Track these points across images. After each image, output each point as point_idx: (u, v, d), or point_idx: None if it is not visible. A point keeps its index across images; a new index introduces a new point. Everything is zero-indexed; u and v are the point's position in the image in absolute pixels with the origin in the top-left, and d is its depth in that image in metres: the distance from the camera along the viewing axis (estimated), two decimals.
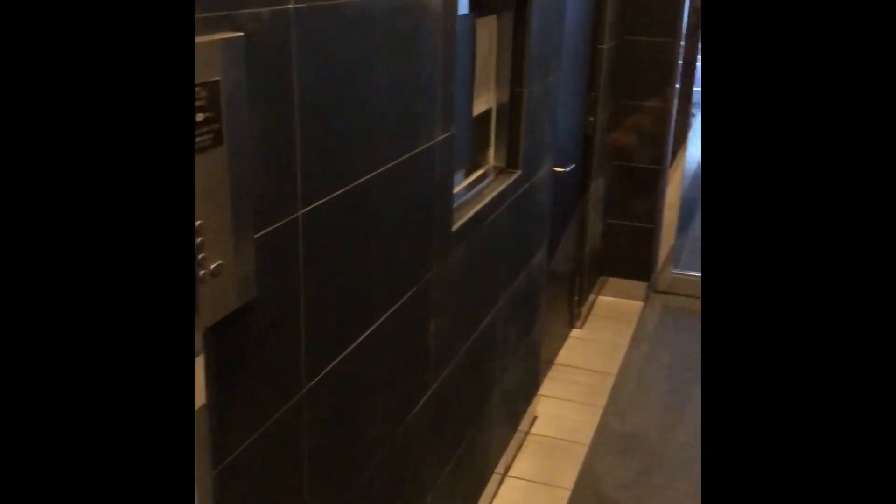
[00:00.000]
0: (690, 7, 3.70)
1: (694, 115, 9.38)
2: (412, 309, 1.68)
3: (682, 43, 3.70)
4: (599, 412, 3.03)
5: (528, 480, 2.66)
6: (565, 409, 3.07)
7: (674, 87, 3.72)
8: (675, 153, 3.97)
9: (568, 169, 2.87)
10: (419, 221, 1.66)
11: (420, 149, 1.60)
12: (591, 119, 3.35)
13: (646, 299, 4.02)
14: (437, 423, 1.95)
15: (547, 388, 3.18)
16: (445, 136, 1.72)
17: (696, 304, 3.99)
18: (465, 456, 2.21)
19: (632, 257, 3.98)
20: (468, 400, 2.19)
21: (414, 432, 1.79)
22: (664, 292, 4.11)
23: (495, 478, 2.58)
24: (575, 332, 3.67)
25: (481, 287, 2.17)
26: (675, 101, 3.79)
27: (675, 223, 4.05)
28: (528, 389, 2.88)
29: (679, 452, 2.81)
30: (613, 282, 4.05)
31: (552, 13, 2.46)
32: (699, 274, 4.18)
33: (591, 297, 3.92)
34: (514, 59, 2.25)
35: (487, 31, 2.15)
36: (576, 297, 3.66)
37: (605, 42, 3.28)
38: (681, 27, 3.63)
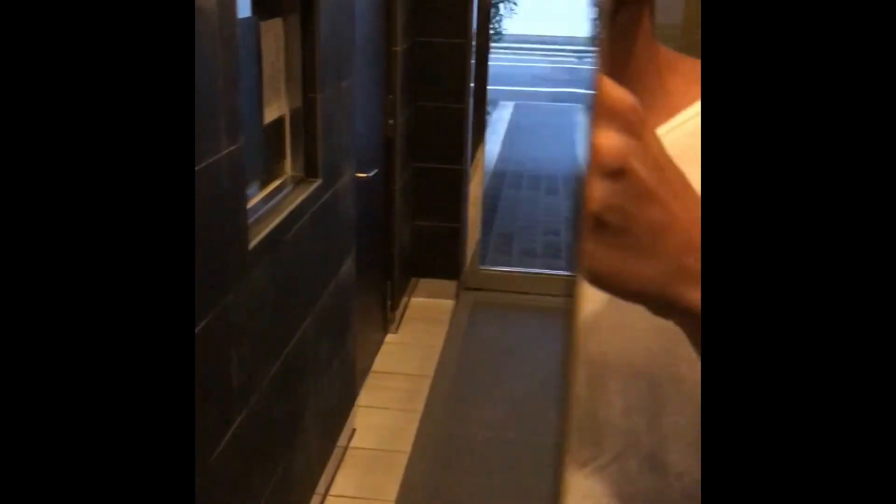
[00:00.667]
0: (479, 6, 3.77)
1: (489, 114, 9.70)
2: (208, 339, 1.55)
3: (474, 43, 3.76)
4: (418, 417, 3.01)
5: (350, 497, 2.58)
6: (384, 418, 3.02)
7: (469, 88, 3.77)
8: (474, 152, 4.03)
9: (371, 174, 2.82)
10: (210, 242, 1.53)
11: (204, 164, 1.47)
12: (391, 122, 3.32)
13: (457, 297, 4.06)
14: (247, 457, 1.82)
15: (364, 397, 3.11)
16: (232, 148, 1.60)
17: (504, 298, 4.09)
18: (281, 483, 2.10)
19: (441, 257, 4.01)
20: (281, 425, 2.08)
21: (220, 475, 1.66)
22: (474, 289, 4.17)
23: (316, 499, 2.47)
24: (390, 337, 3.64)
25: (287, 305, 2.06)
26: (472, 101, 3.85)
27: (478, 221, 4.12)
28: (344, 403, 2.80)
29: (502, 449, 2.85)
30: (425, 282, 4.06)
31: (341, 15, 2.39)
32: (505, 269, 4.29)
33: (405, 299, 3.90)
34: (304, 64, 2.15)
35: (273, 35, 2.04)
36: (388, 302, 3.62)
37: (399, 44, 3.25)
38: (471, 27, 3.68)
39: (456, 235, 3.98)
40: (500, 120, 9.49)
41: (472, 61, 3.77)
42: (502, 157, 7.47)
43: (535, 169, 6.99)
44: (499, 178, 6.56)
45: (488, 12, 3.90)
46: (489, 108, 10.50)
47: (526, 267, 4.54)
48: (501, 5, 10.59)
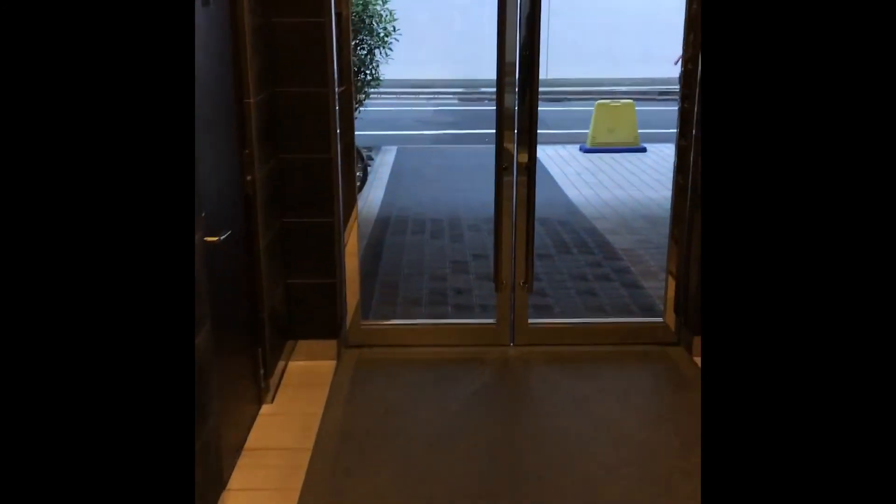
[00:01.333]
0: (340, 52, 3.62)
1: (372, 160, 9.57)
2: None
3: (337, 91, 3.60)
4: (297, 497, 2.75)
5: None
6: (258, 502, 2.75)
7: (335, 137, 3.60)
8: (347, 202, 3.84)
9: (223, 237, 2.59)
10: None
11: None
12: (249, 178, 3.10)
13: (338, 357, 3.83)
14: None
15: (236, 479, 2.83)
16: None
17: (389, 353, 3.89)
18: None
19: (318, 316, 3.78)
20: None
21: None
22: (356, 346, 3.96)
23: None
24: (265, 409, 3.37)
25: None
26: (339, 150, 3.67)
27: (358, 273, 3.93)
28: (209, 490, 2.52)
29: None
30: (303, 344, 3.81)
31: None
32: (388, 322, 4.10)
33: (282, 364, 3.65)
34: None
35: None
36: (261, 371, 3.36)
37: (252, 95, 3.05)
38: (332, 75, 3.52)
39: (333, 291, 3.76)
40: (382, 165, 9.37)
41: (337, 109, 3.61)
42: (386, 202, 7.33)
43: (419, 213, 6.86)
44: (383, 225, 6.40)
45: (349, 59, 3.75)
46: (371, 154, 10.39)
47: (412, 317, 4.36)
48: (377, 51, 10.54)
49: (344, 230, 3.83)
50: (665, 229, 6.68)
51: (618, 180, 8.38)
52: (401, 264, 5.32)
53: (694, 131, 3.77)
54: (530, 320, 3.99)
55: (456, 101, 16.22)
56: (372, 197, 7.53)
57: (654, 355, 3.91)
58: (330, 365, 3.77)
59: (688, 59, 3.76)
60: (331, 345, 3.81)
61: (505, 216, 3.82)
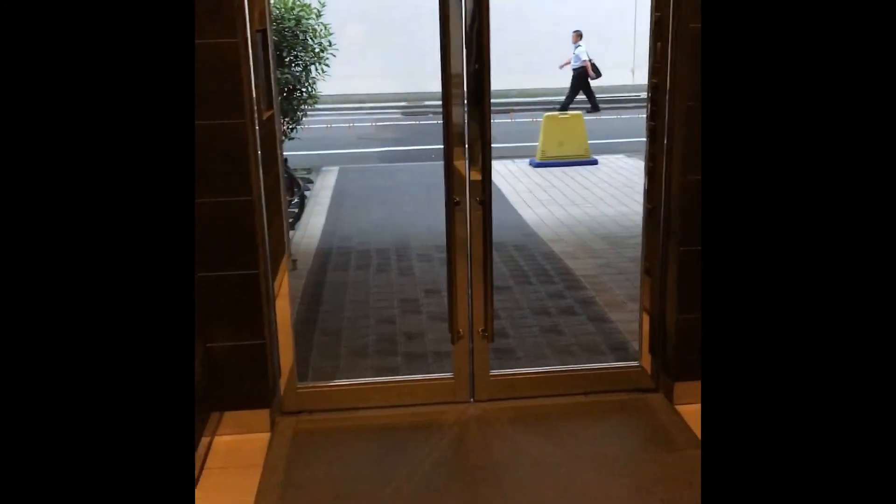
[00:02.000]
0: (266, 78, 3.11)
1: (312, 182, 9.03)
2: None
3: (258, 120, 3.09)
4: None
5: None
6: None
7: (256, 175, 3.08)
8: (275, 247, 3.33)
9: None
10: None
11: None
12: None
13: (272, 428, 3.31)
14: None
15: None
16: None
17: (332, 419, 3.38)
18: None
19: (245, 382, 3.25)
20: None
21: None
22: (293, 413, 3.43)
23: None
24: None
25: None
26: (263, 191, 3.16)
27: (291, 329, 3.41)
28: None
29: None
30: (229, 416, 3.28)
31: None
32: (329, 383, 3.58)
33: (205, 440, 3.11)
34: None
35: None
36: None
37: None
38: (250, 103, 3.01)
39: (261, 353, 3.24)
40: (323, 189, 8.83)
41: (259, 141, 3.09)
42: (327, 232, 6.79)
43: (363, 242, 6.35)
44: (323, 260, 5.87)
45: (271, 83, 3.23)
46: (311, 177, 9.83)
47: (357, 371, 3.85)
48: (314, 67, 10.01)
49: (273, 281, 3.31)
50: (627, 251, 6.34)
51: (571, 197, 7.99)
52: (344, 307, 4.80)
53: (665, 151, 3.36)
54: (492, 371, 3.52)
55: (399, 116, 15.75)
56: (311, 226, 7.00)
57: (632, 405, 3.47)
58: (263, 439, 3.24)
59: (655, 70, 3.34)
60: (262, 415, 3.28)
61: (458, 256, 3.35)
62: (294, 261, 5.60)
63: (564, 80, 17.51)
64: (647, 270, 3.62)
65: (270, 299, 3.29)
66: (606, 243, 6.09)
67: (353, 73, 15.85)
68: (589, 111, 15.23)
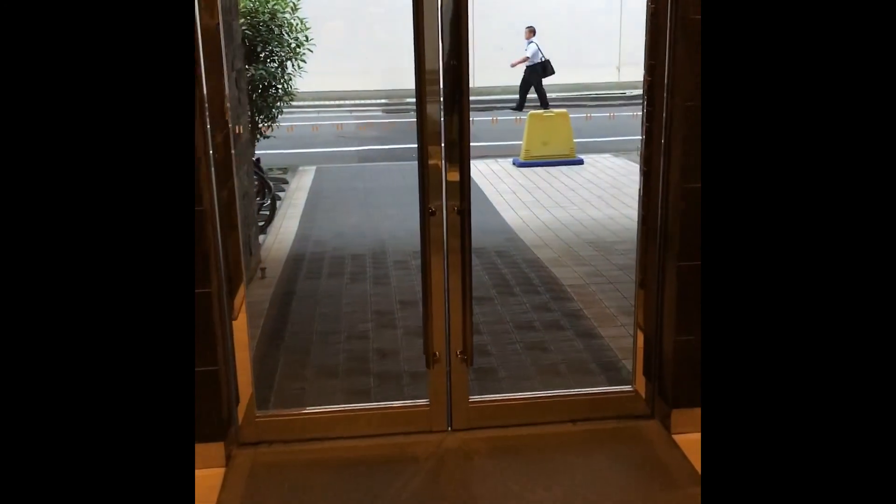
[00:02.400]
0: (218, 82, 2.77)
1: (287, 183, 8.68)
2: None
3: (209, 127, 2.75)
4: None
5: None
6: None
7: (208, 183, 2.74)
8: (232, 263, 2.99)
9: None
10: None
11: None
12: None
13: (227, 462, 2.98)
14: None
15: None
16: None
17: (295, 451, 3.05)
18: None
19: (198, 412, 2.91)
20: None
21: None
22: (252, 444, 3.10)
23: None
24: None
25: None
26: (216, 201, 2.82)
27: (248, 355, 3.07)
28: None
29: None
30: None
31: None
32: (292, 412, 3.24)
33: None
34: None
35: None
36: None
37: None
38: (201, 109, 2.67)
39: (215, 380, 2.90)
40: (299, 189, 8.49)
41: (212, 150, 2.76)
42: (301, 236, 6.45)
43: (338, 248, 6.02)
44: (294, 267, 5.53)
45: (222, 86, 2.88)
46: (286, 177, 9.47)
47: (326, 392, 3.53)
48: (290, 63, 9.65)
49: (230, 300, 2.97)
50: (616, 258, 6.02)
51: (556, 198, 7.69)
52: (314, 320, 4.47)
53: (662, 155, 3.06)
54: (471, 397, 3.20)
55: (380, 113, 15.40)
56: (284, 230, 6.65)
57: (625, 434, 3.16)
58: (216, 475, 2.91)
59: (651, 68, 3.04)
60: (216, 448, 2.95)
61: (434, 271, 3.03)
62: (263, 269, 5.26)
63: (554, 77, 17.24)
64: (641, 284, 3.32)
65: (226, 320, 2.95)
66: (594, 249, 5.79)
67: (332, 70, 15.47)
68: (514, 109, 15.01)
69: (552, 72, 14.88)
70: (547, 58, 14.77)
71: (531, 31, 15.01)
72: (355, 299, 4.78)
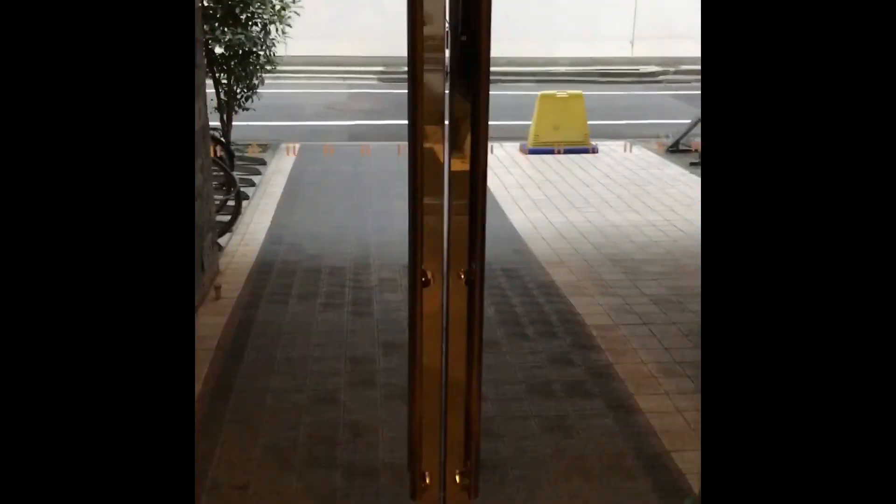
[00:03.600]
0: None
1: (265, 164, 7.67)
2: None
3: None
4: None
5: None
6: None
7: None
8: None
9: None
10: None
11: None
12: None
13: None
14: None
15: None
16: None
17: None
18: None
19: None
20: None
21: None
22: None
23: None
24: None
25: None
26: None
27: None
28: None
29: None
30: None
31: None
32: None
33: None
34: None
35: None
36: None
37: None
38: None
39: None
40: (277, 173, 7.49)
41: None
42: (272, 237, 5.49)
43: (314, 255, 5.06)
44: (259, 282, 4.57)
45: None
46: (265, 157, 8.43)
47: (273, 496, 2.61)
48: (273, 27, 8.58)
49: None
50: (646, 284, 4.82)
51: (570, 197, 6.72)
52: (271, 370, 3.52)
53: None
54: None
55: (376, 82, 14.31)
56: (253, 228, 5.68)
57: None
58: None
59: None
60: None
61: (428, 359, 2.10)
62: (217, 288, 4.30)
63: (563, 50, 16.10)
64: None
65: None
66: (619, 270, 4.85)
67: (323, 34, 14.34)
68: None
69: None
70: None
71: None
72: (327, 337, 3.84)
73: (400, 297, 4.29)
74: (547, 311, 4.19)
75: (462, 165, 1.99)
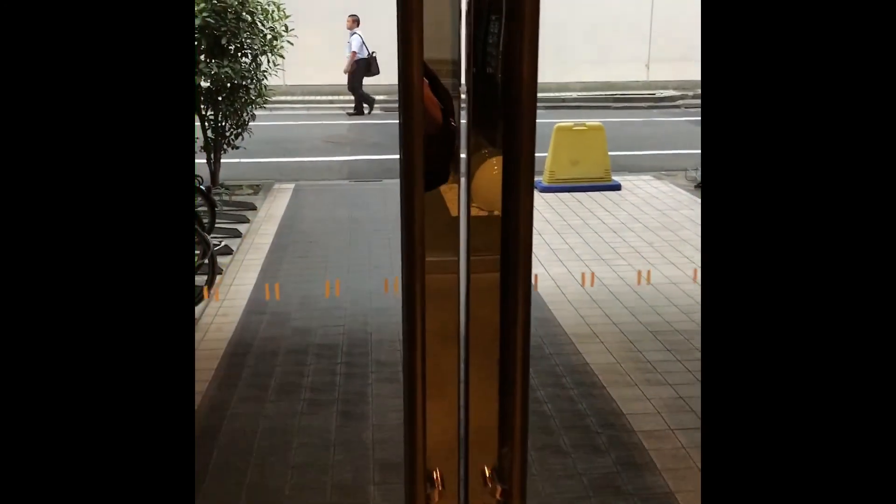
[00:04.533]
0: None
1: (255, 209, 6.94)
2: None
3: None
4: None
5: None
6: None
7: None
8: None
9: None
10: None
11: None
12: None
13: None
14: None
15: None
16: None
17: None
18: None
19: None
20: None
21: None
22: None
23: None
24: None
25: None
26: None
27: None
28: None
29: None
30: None
31: None
32: None
33: None
34: None
35: None
36: None
37: None
38: None
39: None
40: (267, 219, 6.74)
41: None
42: (254, 304, 4.73)
43: (300, 330, 4.30)
44: (233, 368, 3.81)
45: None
46: (255, 201, 7.62)
47: None
48: (265, 57, 7.89)
49: None
50: (699, 362, 4.21)
51: (596, 245, 5.96)
52: (239, 501, 2.74)
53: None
54: None
55: (379, 112, 13.62)
56: (234, 291, 4.92)
57: None
58: None
59: None
60: None
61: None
62: None
63: (575, 74, 15.38)
64: None
65: None
66: (664, 347, 4.06)
67: (321, 61, 13.67)
68: (351, 114, 13.39)
69: (377, 71, 13.16)
70: (374, 52, 13.06)
71: (354, 21, 13.22)
72: (310, 456, 3.06)
73: (397, 391, 3.51)
74: (582, 408, 3.41)
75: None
